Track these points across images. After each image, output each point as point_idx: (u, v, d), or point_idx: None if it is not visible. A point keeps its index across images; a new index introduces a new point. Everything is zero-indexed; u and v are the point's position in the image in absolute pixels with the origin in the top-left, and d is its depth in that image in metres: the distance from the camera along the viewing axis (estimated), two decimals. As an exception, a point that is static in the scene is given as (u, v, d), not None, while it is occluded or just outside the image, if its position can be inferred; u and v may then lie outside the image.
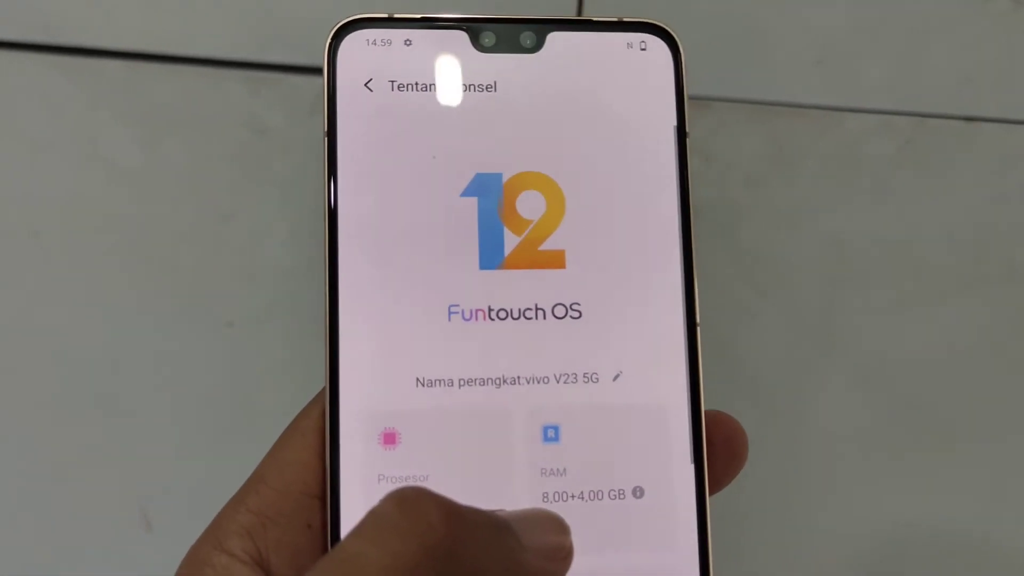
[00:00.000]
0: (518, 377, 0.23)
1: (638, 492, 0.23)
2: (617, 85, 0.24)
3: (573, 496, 0.23)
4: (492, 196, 0.23)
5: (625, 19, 0.24)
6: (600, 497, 0.23)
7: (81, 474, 0.35)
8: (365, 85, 0.23)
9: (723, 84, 0.37)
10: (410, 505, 0.17)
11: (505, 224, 0.23)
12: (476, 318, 0.23)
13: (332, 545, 0.22)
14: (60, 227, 0.36)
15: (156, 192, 0.36)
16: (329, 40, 0.24)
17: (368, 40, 0.24)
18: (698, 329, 0.24)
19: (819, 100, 0.38)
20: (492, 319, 0.23)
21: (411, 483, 0.22)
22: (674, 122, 0.24)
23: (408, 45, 0.24)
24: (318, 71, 0.25)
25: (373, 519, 0.17)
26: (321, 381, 0.23)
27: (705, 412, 0.23)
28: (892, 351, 0.37)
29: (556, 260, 0.23)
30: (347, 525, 0.22)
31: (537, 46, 0.24)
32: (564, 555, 0.20)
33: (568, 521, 0.22)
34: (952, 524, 0.37)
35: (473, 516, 0.18)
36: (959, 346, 0.38)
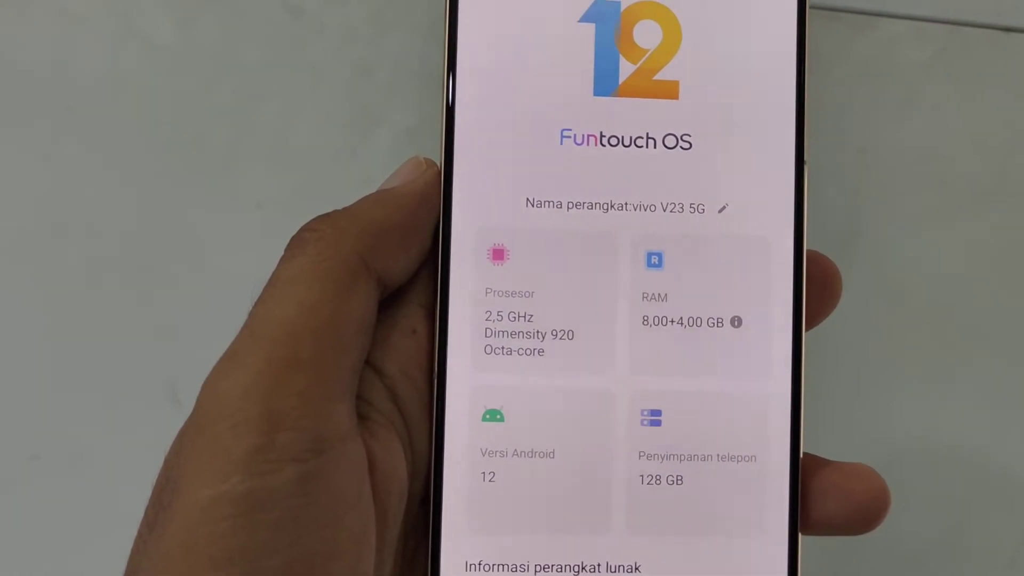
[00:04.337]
0: (625, 203, 0.23)
1: (736, 322, 0.23)
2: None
3: (672, 322, 0.23)
4: (609, 23, 0.24)
5: None
6: (699, 324, 0.23)
7: (111, 352, 0.36)
8: None
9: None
10: (297, 235, 0.21)
11: (621, 52, 0.24)
12: (588, 143, 0.23)
13: (438, 355, 0.23)
14: (94, 103, 0.36)
15: (189, 70, 0.36)
16: None
17: None
18: (806, 167, 0.24)
19: (853, 3, 0.36)
20: (603, 145, 0.23)
21: (517, 298, 0.23)
22: None
23: None
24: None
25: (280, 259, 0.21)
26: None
27: None
28: (915, 262, 0.37)
29: (670, 90, 0.24)
30: (455, 335, 0.23)
31: None
32: (425, 163, 0.23)
33: (666, 347, 0.23)
34: (967, 438, 0.37)
35: (348, 207, 0.22)
36: (983, 258, 0.37)
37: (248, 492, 0.18)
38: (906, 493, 0.36)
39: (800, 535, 0.23)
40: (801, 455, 0.23)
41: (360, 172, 0.37)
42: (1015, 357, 0.37)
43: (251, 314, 0.20)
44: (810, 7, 0.24)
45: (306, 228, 0.21)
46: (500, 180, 0.23)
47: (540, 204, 0.23)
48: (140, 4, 0.36)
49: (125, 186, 0.36)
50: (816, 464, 0.24)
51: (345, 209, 0.22)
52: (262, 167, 0.36)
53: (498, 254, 0.23)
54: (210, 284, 0.36)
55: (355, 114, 0.37)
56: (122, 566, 0.19)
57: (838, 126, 0.36)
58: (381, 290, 0.22)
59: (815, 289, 0.24)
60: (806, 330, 0.24)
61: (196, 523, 0.18)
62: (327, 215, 0.22)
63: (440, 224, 0.23)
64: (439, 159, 0.23)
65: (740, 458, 0.23)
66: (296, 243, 0.21)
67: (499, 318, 0.23)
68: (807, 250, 0.24)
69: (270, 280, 0.21)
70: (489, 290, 0.23)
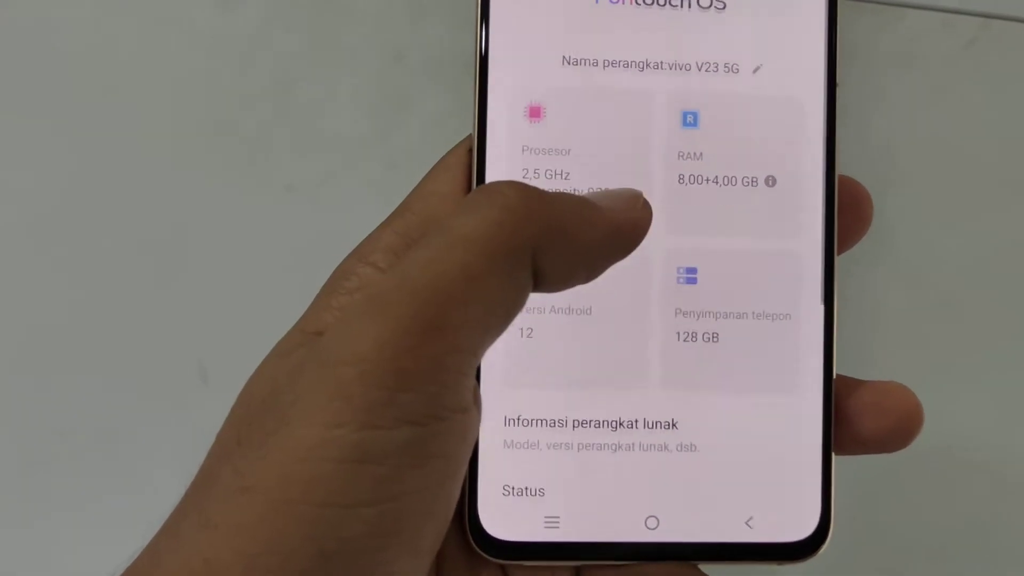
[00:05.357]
0: (661, 62, 0.24)
1: (771, 181, 0.24)
2: None
3: (707, 180, 0.24)
4: None
5: None
6: (733, 183, 0.24)
7: (140, 330, 0.36)
8: None
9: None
10: (490, 188, 0.19)
11: (655, -86, 0.24)
12: (623, 2, 0.23)
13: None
14: (133, 84, 0.36)
15: (227, 53, 0.36)
16: None
17: None
18: (838, 29, 0.24)
19: (881, -7, 0.36)
20: (639, 4, 0.23)
21: (553, 156, 0.23)
22: None
23: None
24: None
25: (462, 204, 0.19)
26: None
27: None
28: (942, 255, 0.37)
29: (703, -48, 0.24)
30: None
31: None
32: (642, 203, 0.20)
33: (701, 204, 0.23)
34: (994, 431, 0.37)
35: (548, 192, 0.19)
36: (1011, 252, 0.37)
37: (360, 441, 0.17)
38: (929, 485, 0.36)
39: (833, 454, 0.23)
40: (835, 312, 0.24)
41: (390, 157, 0.37)
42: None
43: (408, 257, 0.19)
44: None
45: (499, 187, 0.19)
46: (536, 39, 0.23)
47: (576, 63, 0.23)
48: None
49: (156, 167, 0.36)
50: (850, 385, 0.24)
51: (547, 193, 0.19)
52: (293, 150, 0.36)
53: (535, 112, 0.23)
54: (240, 266, 0.36)
55: (387, 99, 0.37)
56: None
57: (865, 118, 0.36)
58: (532, 289, 0.20)
59: (845, 212, 0.24)
60: (838, 254, 0.24)
61: (298, 459, 0.17)
62: (525, 186, 0.19)
63: (476, 84, 0.23)
64: (475, 16, 0.23)
65: (775, 316, 0.24)
66: (486, 197, 0.19)
67: (536, 176, 0.23)
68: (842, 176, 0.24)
69: (442, 225, 0.19)
70: (526, 148, 0.23)
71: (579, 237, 0.19)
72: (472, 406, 0.19)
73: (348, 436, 0.17)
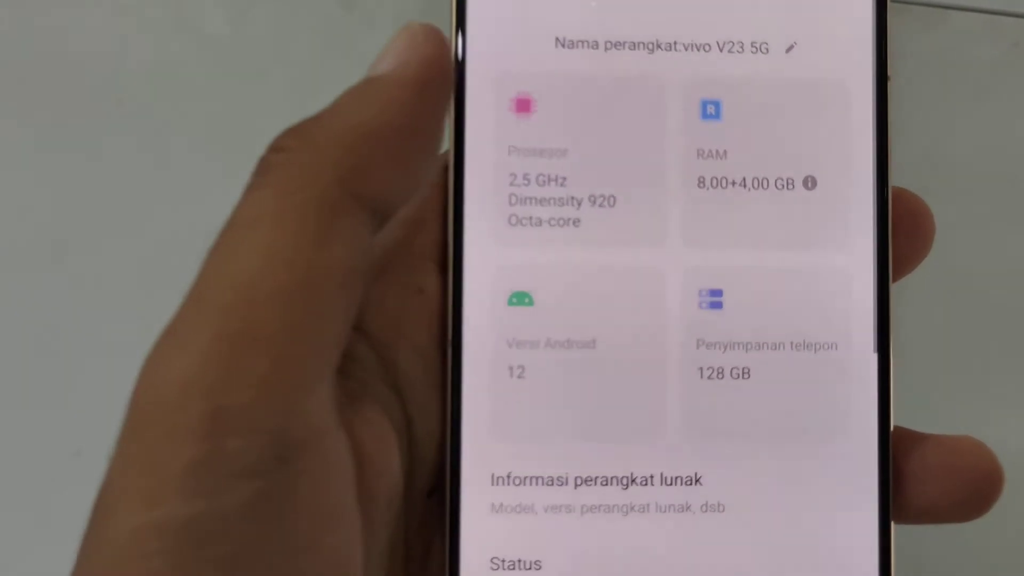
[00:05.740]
0: (675, 42, 0.19)
1: (810, 182, 0.20)
2: None
3: (734, 183, 0.20)
4: None
5: None
6: (765, 186, 0.20)
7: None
8: None
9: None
10: (262, 160, 0.17)
11: None
12: (628, -30, 0.19)
13: (454, 230, 0.19)
14: (143, 94, 0.35)
15: (240, 62, 0.35)
16: None
17: None
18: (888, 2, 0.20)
19: (922, -5, 0.35)
20: (647, -28, 0.20)
21: (546, 158, 0.19)
22: None
23: None
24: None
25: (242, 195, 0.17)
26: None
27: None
28: (986, 263, 0.35)
29: (724, -93, 0.20)
30: (473, 204, 0.19)
31: None
32: (421, 33, 0.17)
33: (726, 213, 0.19)
34: None
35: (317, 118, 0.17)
36: None
37: (189, 519, 0.14)
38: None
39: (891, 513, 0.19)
40: (891, 340, 0.20)
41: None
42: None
43: (200, 272, 0.15)
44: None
45: (272, 147, 0.16)
46: (523, 16, 0.19)
47: (572, 44, 0.19)
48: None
49: (171, 179, 0.35)
50: (911, 439, 0.20)
51: (321, 114, 0.17)
52: None
53: (523, 105, 0.19)
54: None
55: None
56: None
57: (906, 123, 0.35)
58: (376, 222, 0.17)
59: (902, 229, 0.20)
60: (894, 280, 0.20)
61: (121, 559, 0.13)
62: (298, 126, 0.17)
63: (453, 69, 0.19)
64: (450, -5, 0.19)
65: (818, 346, 0.19)
66: (260, 169, 0.16)
67: (526, 182, 0.19)
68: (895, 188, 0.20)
69: (226, 224, 0.16)
70: (513, 148, 0.19)
71: (383, 129, 0.16)
72: (331, 427, 0.15)
73: (173, 515, 0.13)
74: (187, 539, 0.13)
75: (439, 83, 0.17)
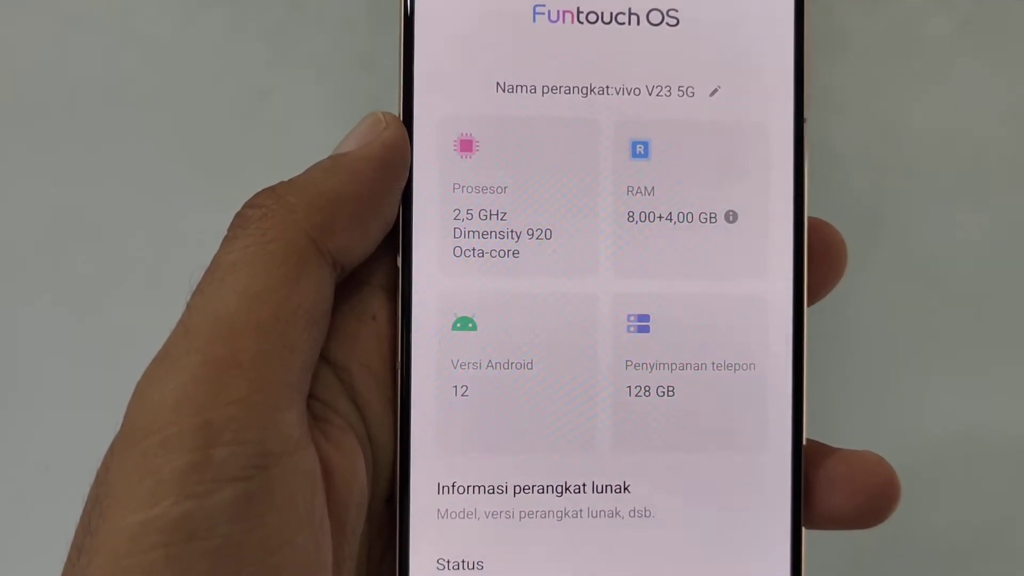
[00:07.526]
0: (607, 87, 0.21)
1: (731, 216, 0.21)
2: None
3: (660, 217, 0.21)
4: None
5: None
6: (690, 220, 0.21)
7: (118, 358, 0.33)
8: None
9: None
10: (240, 215, 0.19)
11: (599, -82, 0.21)
12: (563, 20, 0.21)
13: (403, 259, 0.21)
14: (95, 103, 0.34)
15: (192, 67, 0.35)
16: None
17: None
18: (805, 45, 0.21)
19: (873, -26, 0.35)
20: (581, 22, 0.21)
21: (487, 194, 0.21)
22: None
23: None
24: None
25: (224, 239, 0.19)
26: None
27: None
28: (945, 243, 0.35)
29: (653, -40, 0.21)
30: (420, 237, 0.21)
31: None
32: (383, 121, 0.20)
33: (654, 245, 0.21)
34: (1005, 427, 0.35)
35: (292, 182, 0.20)
36: (1018, 237, 0.35)
37: (182, 517, 0.16)
38: (943, 485, 0.34)
39: (803, 522, 0.21)
40: (805, 361, 0.21)
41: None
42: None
43: (187, 307, 0.18)
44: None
45: (249, 204, 0.19)
46: (467, 63, 0.21)
47: (512, 89, 0.21)
48: (139, 2, 0.35)
49: (125, 188, 0.34)
50: (820, 453, 0.21)
51: (293, 180, 0.19)
52: (265, 163, 0.34)
53: (466, 145, 0.21)
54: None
55: (359, 107, 0.35)
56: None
57: (860, 103, 0.35)
58: (337, 273, 0.19)
59: (817, 257, 0.22)
60: (809, 304, 0.21)
61: (123, 553, 0.16)
62: (273, 188, 0.19)
63: (400, 111, 0.21)
64: (398, 37, 0.21)
65: (737, 366, 0.21)
66: (238, 222, 0.19)
67: (468, 217, 0.21)
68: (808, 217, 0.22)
69: (209, 267, 0.18)
70: (457, 186, 0.21)
71: (347, 197, 0.19)
72: (302, 441, 0.18)
73: (168, 513, 0.16)
74: (180, 534, 0.16)
75: (398, 164, 0.20)
